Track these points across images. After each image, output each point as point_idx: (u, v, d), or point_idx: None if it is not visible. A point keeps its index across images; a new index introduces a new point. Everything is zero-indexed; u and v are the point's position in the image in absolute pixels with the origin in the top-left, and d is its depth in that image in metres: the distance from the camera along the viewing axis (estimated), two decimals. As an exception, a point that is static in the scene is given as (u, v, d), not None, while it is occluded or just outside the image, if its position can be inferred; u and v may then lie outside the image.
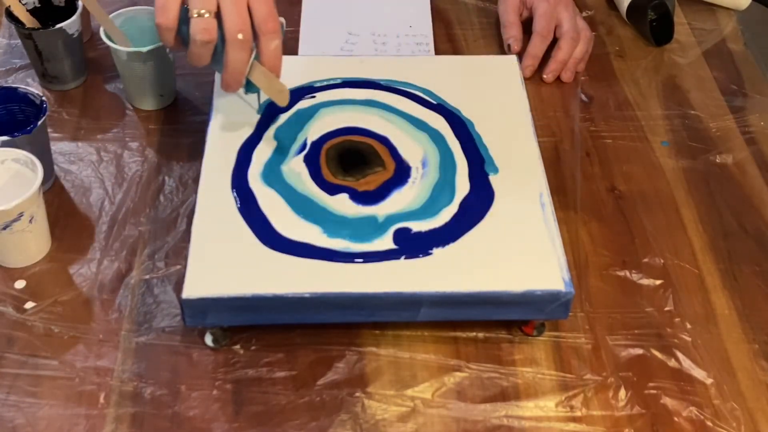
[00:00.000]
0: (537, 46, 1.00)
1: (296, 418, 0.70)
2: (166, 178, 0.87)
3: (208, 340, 0.74)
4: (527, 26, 1.03)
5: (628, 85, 1.02)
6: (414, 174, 0.80)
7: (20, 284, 0.78)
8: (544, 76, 1.00)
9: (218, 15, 0.75)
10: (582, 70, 1.02)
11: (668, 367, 0.75)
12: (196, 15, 0.75)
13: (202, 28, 0.75)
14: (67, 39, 0.92)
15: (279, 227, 0.75)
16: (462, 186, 0.79)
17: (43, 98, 0.84)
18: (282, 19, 0.80)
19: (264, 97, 0.83)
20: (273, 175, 0.79)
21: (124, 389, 0.72)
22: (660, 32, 1.07)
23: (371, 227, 0.75)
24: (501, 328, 0.77)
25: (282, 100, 0.80)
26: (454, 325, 0.77)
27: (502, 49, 1.04)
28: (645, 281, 0.81)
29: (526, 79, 0.99)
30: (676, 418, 0.72)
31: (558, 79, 1.01)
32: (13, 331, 0.75)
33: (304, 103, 0.86)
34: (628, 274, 0.82)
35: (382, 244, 0.74)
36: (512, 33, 1.02)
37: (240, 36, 0.75)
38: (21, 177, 0.79)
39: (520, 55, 1.01)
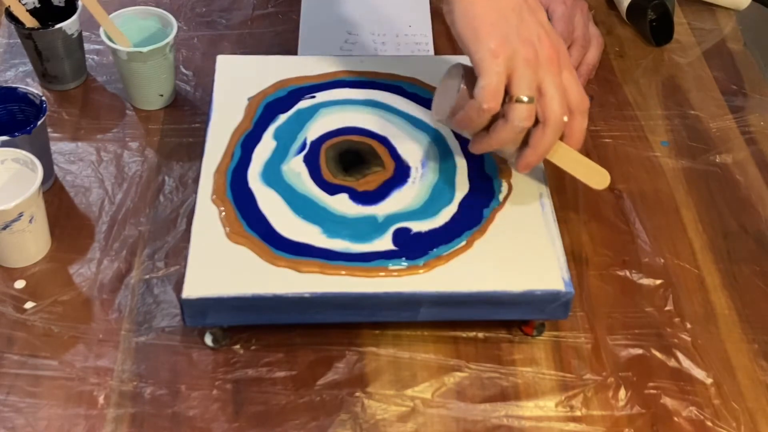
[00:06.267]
0: None
1: (296, 418, 0.70)
2: (166, 178, 0.87)
3: (208, 340, 0.74)
4: None
5: (628, 85, 1.02)
6: (413, 174, 0.80)
7: (20, 284, 0.78)
8: None
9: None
10: (593, 76, 1.01)
11: (668, 367, 0.75)
12: (525, 100, 0.69)
13: (527, 114, 0.69)
14: (67, 39, 0.92)
15: (279, 227, 0.75)
16: (462, 186, 0.79)
17: (43, 98, 0.84)
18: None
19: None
20: (273, 175, 0.79)
21: (123, 389, 0.72)
22: (660, 32, 1.07)
23: (371, 227, 0.75)
24: (501, 328, 0.77)
25: (599, 182, 0.76)
26: (454, 325, 0.77)
27: (502, 49, 1.04)
28: (645, 281, 0.81)
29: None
30: (675, 418, 0.72)
31: None
32: (13, 331, 0.75)
33: (304, 103, 0.86)
34: (628, 274, 0.82)
35: (381, 244, 0.74)
36: None
37: (565, 119, 0.71)
38: (21, 177, 0.79)
39: None
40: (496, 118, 0.71)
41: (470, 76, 0.72)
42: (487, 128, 0.72)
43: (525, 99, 0.69)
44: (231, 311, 0.71)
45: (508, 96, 0.70)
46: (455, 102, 0.72)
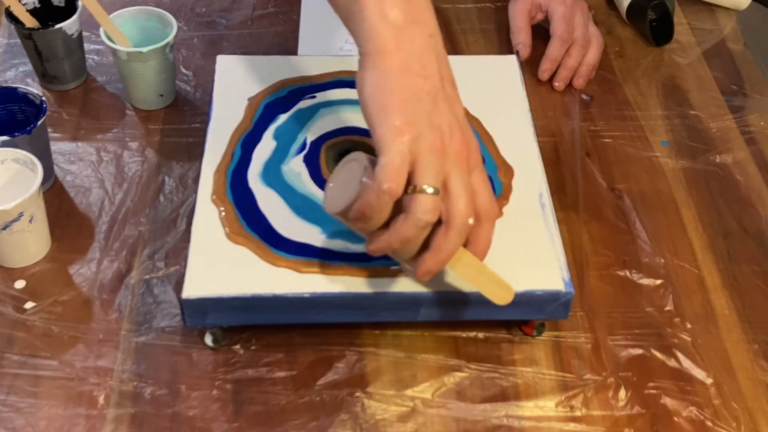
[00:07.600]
0: (557, 49, 0.99)
1: (296, 418, 0.70)
2: (166, 178, 0.87)
3: (208, 340, 0.74)
4: (537, 29, 1.03)
5: (628, 85, 1.02)
6: (414, 174, 0.80)
7: (20, 284, 0.78)
8: (555, 84, 0.99)
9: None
10: (593, 76, 1.01)
11: (668, 367, 0.75)
12: (429, 191, 0.61)
13: (431, 206, 0.61)
14: (67, 39, 0.92)
15: (279, 227, 0.75)
16: (462, 186, 0.79)
17: (43, 98, 0.84)
18: None
19: None
20: (273, 175, 0.79)
21: (123, 389, 0.72)
22: (660, 32, 1.07)
23: (371, 227, 0.75)
24: (501, 328, 0.77)
25: (502, 297, 0.68)
26: (454, 325, 0.77)
27: (502, 49, 1.04)
28: (645, 281, 0.81)
29: (534, 81, 0.99)
30: (676, 418, 0.72)
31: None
32: (13, 331, 0.75)
33: (304, 103, 0.86)
34: (628, 274, 0.82)
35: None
36: (521, 39, 1.01)
37: (471, 221, 0.64)
38: (21, 177, 0.79)
39: (528, 61, 1.01)
40: (396, 214, 0.64)
41: (374, 164, 0.64)
42: (387, 226, 0.64)
43: (429, 190, 0.61)
44: (231, 311, 0.71)
45: (410, 186, 0.62)
46: (356, 191, 0.64)
